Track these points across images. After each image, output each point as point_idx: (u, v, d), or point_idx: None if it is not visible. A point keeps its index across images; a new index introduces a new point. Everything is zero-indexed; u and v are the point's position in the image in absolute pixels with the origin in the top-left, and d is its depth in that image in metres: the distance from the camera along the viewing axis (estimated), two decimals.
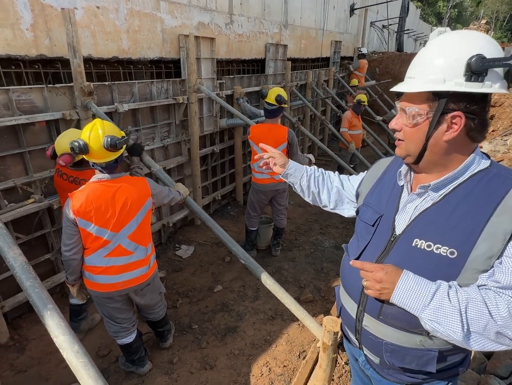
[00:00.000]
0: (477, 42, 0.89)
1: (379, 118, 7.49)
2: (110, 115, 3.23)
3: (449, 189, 0.98)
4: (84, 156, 1.90)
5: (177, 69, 4.13)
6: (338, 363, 2.45)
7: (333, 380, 2.33)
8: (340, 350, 2.43)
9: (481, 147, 7.27)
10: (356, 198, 1.32)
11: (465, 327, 0.87)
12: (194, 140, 4.26)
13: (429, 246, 0.95)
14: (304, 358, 2.54)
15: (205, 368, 2.48)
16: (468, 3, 45.33)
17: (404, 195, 1.09)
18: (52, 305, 1.58)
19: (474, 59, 0.85)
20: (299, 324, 2.86)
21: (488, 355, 2.07)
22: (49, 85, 2.79)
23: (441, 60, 0.91)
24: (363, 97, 5.76)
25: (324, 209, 1.45)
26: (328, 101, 7.47)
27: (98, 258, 2.01)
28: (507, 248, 0.86)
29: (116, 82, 3.31)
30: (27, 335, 2.81)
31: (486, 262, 0.88)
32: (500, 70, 0.88)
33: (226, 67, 5.08)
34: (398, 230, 1.05)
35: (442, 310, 0.89)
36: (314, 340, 2.63)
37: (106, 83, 3.22)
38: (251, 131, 3.59)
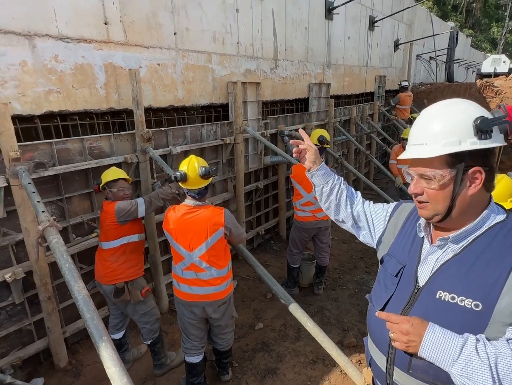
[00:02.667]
0: (472, 106, 1.01)
1: None
2: (165, 157, 3.56)
3: (469, 241, 1.01)
4: (182, 184, 2.30)
5: (225, 112, 4.46)
6: None
7: None
8: None
9: None
10: (377, 244, 1.33)
11: (497, 383, 0.84)
12: (239, 177, 4.48)
13: (453, 298, 0.96)
14: None
15: None
16: None
17: (425, 246, 1.12)
18: (106, 337, 1.74)
19: (480, 120, 0.95)
20: (341, 371, 2.75)
21: None
22: (115, 133, 3.19)
23: (453, 124, 0.99)
24: (406, 132, 5.66)
25: (337, 222, 1.47)
26: (373, 135, 7.42)
27: (179, 269, 2.36)
28: None
29: (171, 127, 3.66)
30: (83, 360, 3.03)
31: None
32: (497, 127, 0.99)
33: (271, 108, 5.35)
34: (421, 281, 1.07)
35: (472, 365, 0.87)
36: None
37: (163, 128, 3.58)
38: (293, 170, 3.71)
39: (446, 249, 1.06)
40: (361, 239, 1.43)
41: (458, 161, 0.98)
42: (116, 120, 3.38)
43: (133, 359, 3.05)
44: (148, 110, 3.51)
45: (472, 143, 0.96)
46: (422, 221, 1.15)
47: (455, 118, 1.00)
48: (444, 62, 14.04)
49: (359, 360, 2.90)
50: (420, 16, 11.23)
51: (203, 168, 2.25)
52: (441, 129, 1.00)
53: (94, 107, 3.05)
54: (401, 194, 5.93)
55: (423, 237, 1.14)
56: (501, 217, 1.01)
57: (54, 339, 2.88)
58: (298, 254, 3.87)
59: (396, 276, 1.14)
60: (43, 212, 2.19)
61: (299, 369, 2.82)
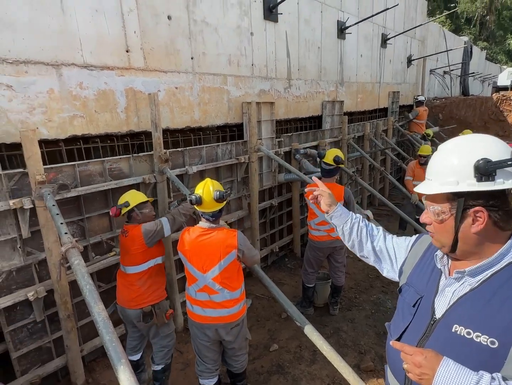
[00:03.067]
0: (482, 145, 0.99)
1: None
2: (181, 177, 3.65)
3: (487, 276, 1.01)
4: (196, 207, 2.34)
5: (240, 131, 4.55)
6: None
7: None
8: None
9: None
10: (399, 275, 1.34)
11: None
12: (254, 195, 4.52)
13: (468, 333, 0.96)
14: None
15: None
16: None
17: (443, 277, 1.13)
18: (125, 360, 1.76)
19: (480, 162, 0.95)
20: None
21: None
22: (134, 154, 3.30)
23: (452, 164, 1.01)
24: (424, 149, 5.62)
25: (362, 259, 1.49)
26: (388, 151, 7.38)
27: (192, 291, 2.39)
28: None
29: (187, 148, 3.76)
30: (99, 379, 3.05)
31: None
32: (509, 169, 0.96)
33: (285, 126, 5.42)
34: (438, 313, 1.07)
35: None
36: None
37: (179, 149, 3.68)
38: (308, 190, 3.72)
39: (463, 282, 1.05)
40: (384, 274, 1.45)
41: (457, 199, 1.00)
42: (135, 142, 3.49)
43: (149, 378, 3.05)
44: (165, 132, 3.61)
45: (470, 184, 0.97)
46: (439, 252, 1.15)
47: (460, 158, 1.01)
48: (459, 76, 13.95)
49: None
50: (433, 32, 11.27)
51: (218, 192, 2.29)
52: (444, 168, 1.03)
53: (115, 130, 3.18)
54: (417, 210, 5.83)
55: (440, 269, 1.15)
56: None
57: (72, 357, 2.92)
58: (313, 273, 3.84)
59: (414, 306, 1.15)
60: (65, 233, 2.27)
61: None
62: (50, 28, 2.63)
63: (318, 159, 3.83)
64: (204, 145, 3.96)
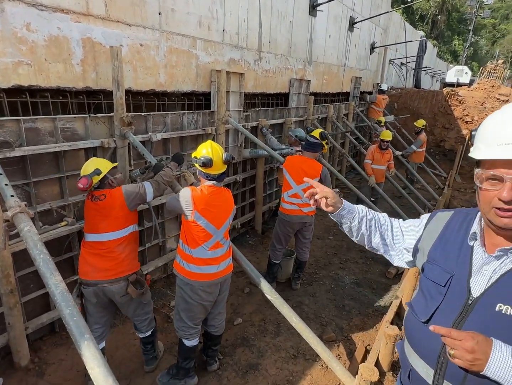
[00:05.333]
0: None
1: (398, 153, 7.53)
2: (143, 144, 3.36)
3: None
4: (204, 169, 2.30)
5: (207, 101, 4.31)
6: None
7: None
8: None
9: None
10: (413, 253, 1.29)
11: None
12: None
13: (502, 308, 0.93)
14: None
15: None
16: (484, 42, 46.21)
17: (478, 256, 1.07)
18: (88, 335, 1.59)
19: None
20: (322, 365, 2.77)
21: None
22: (91, 114, 2.95)
23: None
24: (385, 134, 5.84)
25: (371, 250, 1.43)
26: (348, 135, 7.58)
27: (202, 251, 2.35)
28: None
29: (151, 113, 3.46)
30: (47, 358, 2.80)
31: None
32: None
33: (252, 100, 5.26)
34: (475, 292, 1.02)
35: None
36: (339, 384, 2.54)
37: (142, 114, 3.38)
38: (287, 160, 3.70)
39: (504, 260, 1.00)
40: (395, 263, 1.38)
41: None
42: (92, 101, 3.13)
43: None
44: (127, 93, 3.27)
45: None
46: (478, 230, 1.09)
47: None
48: (413, 69, 14.70)
49: (338, 355, 2.94)
50: (395, 22, 11.63)
51: (226, 155, 2.34)
52: None
53: (69, 85, 2.80)
54: (372, 193, 6.12)
55: (472, 246, 1.09)
56: None
57: (15, 336, 2.62)
58: (281, 250, 3.85)
59: (445, 286, 1.08)
60: (12, 196, 1.97)
61: (281, 364, 2.80)
62: None
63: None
64: (170, 112, 3.68)
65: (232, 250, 2.62)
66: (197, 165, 2.33)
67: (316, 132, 3.52)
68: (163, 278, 4.00)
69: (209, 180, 2.36)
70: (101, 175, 2.36)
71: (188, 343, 2.47)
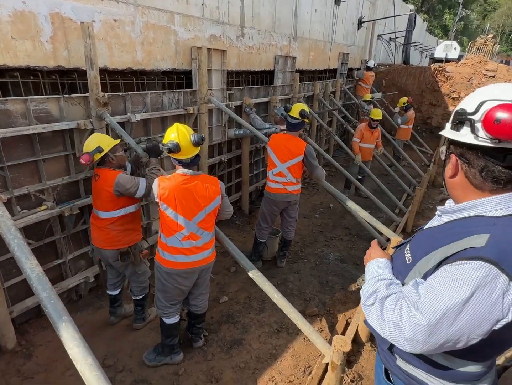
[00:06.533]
0: (473, 96, 1.02)
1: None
2: (123, 125, 3.29)
3: (445, 221, 1.12)
4: (172, 155, 2.19)
5: (188, 80, 4.20)
6: (344, 380, 2.45)
7: None
8: (346, 368, 2.44)
9: None
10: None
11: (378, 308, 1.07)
12: (203, 149, 4.31)
13: (406, 252, 1.19)
14: (309, 373, 2.54)
15: (210, 381, 2.49)
16: (474, 16, 45.66)
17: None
18: (67, 317, 1.62)
19: (454, 111, 1.04)
20: (304, 338, 2.87)
21: None
22: (65, 95, 2.85)
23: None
24: (375, 113, 5.81)
25: None
26: (335, 113, 7.52)
27: (175, 240, 2.30)
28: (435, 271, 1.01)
29: (129, 92, 3.36)
30: (34, 341, 2.83)
31: (420, 272, 1.07)
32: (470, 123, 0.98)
33: (236, 78, 5.15)
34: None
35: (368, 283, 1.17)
36: (320, 355, 2.64)
37: (120, 93, 3.28)
38: (271, 138, 3.68)
39: (438, 219, 1.18)
40: None
41: (448, 143, 1.10)
42: (65, 80, 3.02)
43: (123, 314, 3.10)
44: (103, 72, 3.17)
45: (446, 129, 1.08)
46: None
47: (463, 103, 1.04)
48: (402, 44, 14.49)
49: (320, 328, 3.04)
50: None
51: (195, 136, 2.17)
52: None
53: (39, 64, 2.68)
54: (359, 171, 6.17)
55: None
56: (476, 212, 1.02)
57: (0, 320, 2.64)
58: (267, 228, 3.88)
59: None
60: None
61: (264, 338, 2.89)
62: None
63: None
64: (149, 92, 3.58)
65: (215, 236, 2.59)
66: (166, 152, 2.20)
67: (295, 112, 3.47)
68: (150, 260, 4.01)
69: (183, 167, 2.26)
70: (103, 153, 2.49)
71: (168, 321, 2.51)
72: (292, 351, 2.77)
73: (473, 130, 0.96)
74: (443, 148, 1.14)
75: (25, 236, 2.82)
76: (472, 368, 1.07)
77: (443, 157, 1.14)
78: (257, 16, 5.05)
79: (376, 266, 1.21)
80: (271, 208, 3.74)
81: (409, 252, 1.17)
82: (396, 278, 1.14)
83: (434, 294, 0.93)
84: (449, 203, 1.16)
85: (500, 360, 2.21)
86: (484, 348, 1.00)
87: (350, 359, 2.63)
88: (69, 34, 2.81)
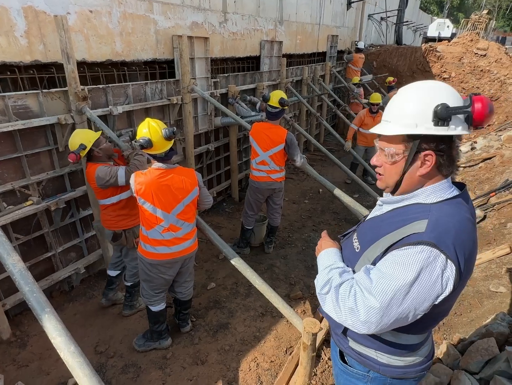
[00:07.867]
0: (442, 92, 1.04)
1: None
2: (105, 118, 3.30)
3: (389, 209, 1.20)
4: (146, 150, 2.20)
5: (171, 69, 4.18)
6: (322, 358, 2.58)
7: (316, 374, 2.47)
8: (324, 347, 2.56)
9: (475, 142, 7.34)
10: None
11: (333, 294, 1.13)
12: (189, 139, 4.33)
13: (355, 240, 1.27)
14: (290, 353, 2.67)
15: (196, 363, 2.62)
16: None
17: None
18: (49, 309, 1.70)
19: (439, 107, 1.01)
20: (287, 321, 2.99)
21: (462, 351, 2.20)
22: (43, 90, 2.85)
23: (413, 108, 1.06)
24: (373, 97, 5.77)
25: None
26: (324, 97, 7.49)
27: (155, 233, 2.36)
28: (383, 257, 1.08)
29: (110, 84, 3.36)
30: (28, 331, 2.94)
31: (369, 259, 1.14)
32: (461, 116, 1.03)
33: (221, 66, 5.11)
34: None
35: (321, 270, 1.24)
36: (301, 336, 2.76)
37: (100, 86, 3.27)
38: (252, 127, 3.71)
39: (379, 209, 1.26)
40: None
41: (412, 142, 1.06)
42: (44, 75, 3.01)
43: (114, 299, 3.24)
44: (82, 65, 3.16)
45: (427, 128, 1.03)
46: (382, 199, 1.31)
47: (420, 102, 1.05)
48: (394, 24, 14.24)
49: (303, 310, 3.16)
50: None
51: (167, 130, 2.17)
52: (404, 111, 1.07)
53: (15, 59, 2.68)
54: (367, 158, 6.14)
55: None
56: (429, 199, 1.09)
57: None
58: (253, 216, 3.96)
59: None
60: None
61: (249, 322, 3.01)
62: None
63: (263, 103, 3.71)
64: (130, 83, 3.58)
65: (197, 226, 2.65)
66: (139, 148, 2.23)
67: (274, 101, 3.48)
68: None
69: (158, 161, 2.28)
70: (87, 150, 2.58)
71: (154, 308, 2.61)
72: (275, 333, 2.89)
73: (468, 121, 1.03)
74: (394, 150, 1.10)
75: (13, 231, 2.89)
76: (414, 340, 1.20)
77: (398, 158, 1.10)
78: (240, 1, 4.97)
79: (328, 255, 1.27)
80: (256, 195, 3.81)
81: (357, 240, 1.25)
82: (347, 266, 1.21)
83: (384, 278, 1.01)
84: (388, 195, 1.23)
85: (467, 335, 2.34)
86: (424, 321, 1.10)
87: (329, 339, 2.76)
88: (44, 28, 2.79)
